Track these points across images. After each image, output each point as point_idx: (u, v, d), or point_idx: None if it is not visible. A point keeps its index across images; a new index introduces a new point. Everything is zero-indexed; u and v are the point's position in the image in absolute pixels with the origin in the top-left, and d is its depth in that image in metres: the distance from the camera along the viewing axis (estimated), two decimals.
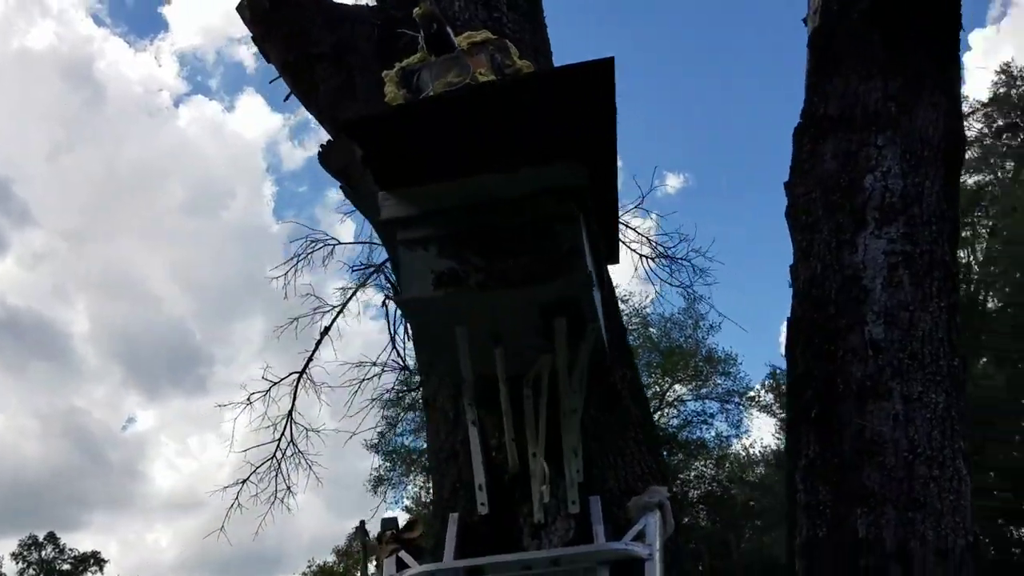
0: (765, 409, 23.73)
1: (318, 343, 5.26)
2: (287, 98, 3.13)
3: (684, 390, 23.60)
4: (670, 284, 5.76)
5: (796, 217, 3.13)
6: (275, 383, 5.27)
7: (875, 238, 2.92)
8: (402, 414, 17.00)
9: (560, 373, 2.22)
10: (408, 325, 3.08)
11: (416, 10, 2.27)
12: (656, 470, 2.44)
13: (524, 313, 2.01)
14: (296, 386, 5.23)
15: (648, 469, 2.41)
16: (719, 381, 23.78)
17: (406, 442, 18.89)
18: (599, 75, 1.73)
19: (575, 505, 2.24)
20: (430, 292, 1.91)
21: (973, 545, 2.58)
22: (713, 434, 23.69)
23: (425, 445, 2.82)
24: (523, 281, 1.89)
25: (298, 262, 5.04)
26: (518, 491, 2.29)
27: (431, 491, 2.60)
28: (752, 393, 23.14)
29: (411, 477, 20.00)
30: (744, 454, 26.30)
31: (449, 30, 2.34)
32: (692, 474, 24.29)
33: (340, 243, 5.26)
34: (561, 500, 2.25)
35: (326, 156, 3.02)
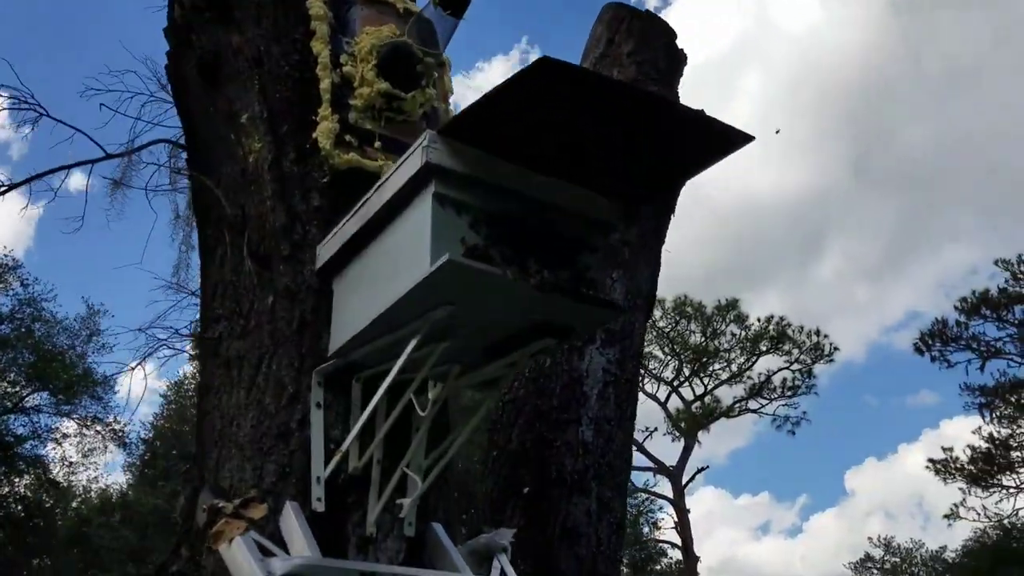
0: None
1: None
2: None
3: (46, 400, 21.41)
4: None
5: None
6: None
7: (599, 354, 3.28)
8: None
9: (453, 390, 2.09)
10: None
11: None
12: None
13: (510, 323, 1.89)
14: None
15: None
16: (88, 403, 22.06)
17: None
18: (735, 142, 1.80)
19: (411, 527, 2.06)
20: (460, 258, 1.71)
21: None
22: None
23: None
24: (554, 288, 1.79)
25: None
26: (352, 496, 2.03)
27: (210, 465, 2.09)
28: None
29: None
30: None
31: None
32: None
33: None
34: (397, 518, 2.05)
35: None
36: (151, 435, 21.99)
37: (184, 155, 2.88)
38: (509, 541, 2.12)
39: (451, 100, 2.56)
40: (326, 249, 2.11)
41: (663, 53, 4.08)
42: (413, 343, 1.83)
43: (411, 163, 1.78)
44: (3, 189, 3.10)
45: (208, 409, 2.16)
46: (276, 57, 2.27)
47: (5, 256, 21.74)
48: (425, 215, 1.75)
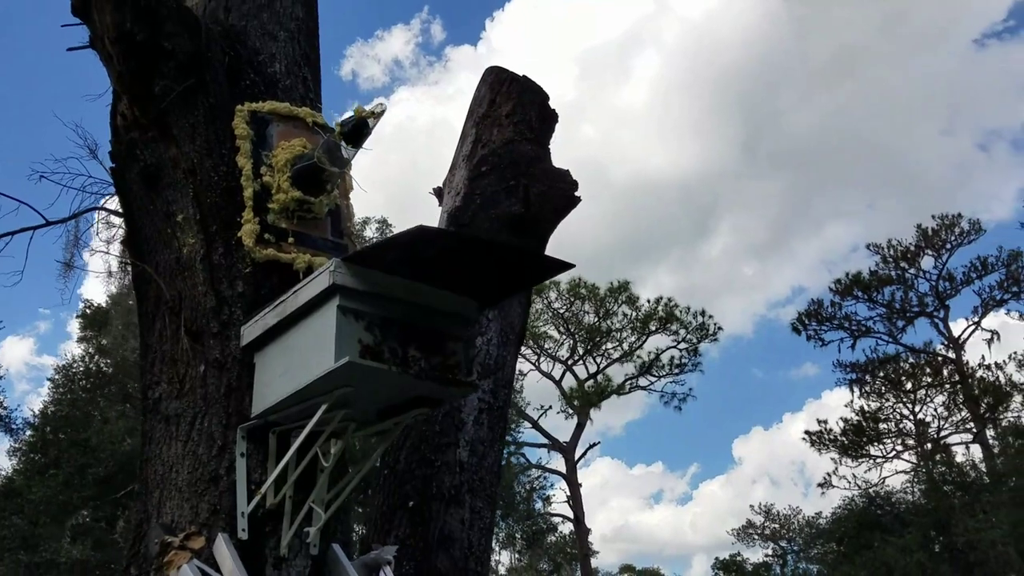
0: None
1: None
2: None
3: None
4: None
5: None
6: None
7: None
8: None
9: (348, 443, 2.68)
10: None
11: (373, 107, 2.63)
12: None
13: (397, 396, 2.49)
14: None
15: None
16: None
17: None
18: (553, 270, 2.45)
19: (315, 548, 2.65)
20: (357, 358, 2.30)
21: None
22: None
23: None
24: (427, 376, 2.41)
25: None
26: (269, 526, 2.61)
27: (153, 502, 2.62)
28: None
29: None
30: None
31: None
32: None
33: None
34: (304, 543, 2.64)
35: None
36: (38, 421, 21.62)
37: (116, 221, 3.37)
38: (393, 555, 2.74)
39: (352, 186, 3.14)
40: (249, 331, 2.66)
41: (536, 113, 4.71)
42: (320, 412, 2.41)
43: (321, 280, 2.36)
44: None
45: (150, 456, 2.69)
46: (207, 169, 2.79)
47: None
48: (330, 321, 2.33)
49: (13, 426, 22.13)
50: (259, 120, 2.89)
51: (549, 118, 4.81)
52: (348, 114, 2.69)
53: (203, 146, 2.81)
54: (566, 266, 2.40)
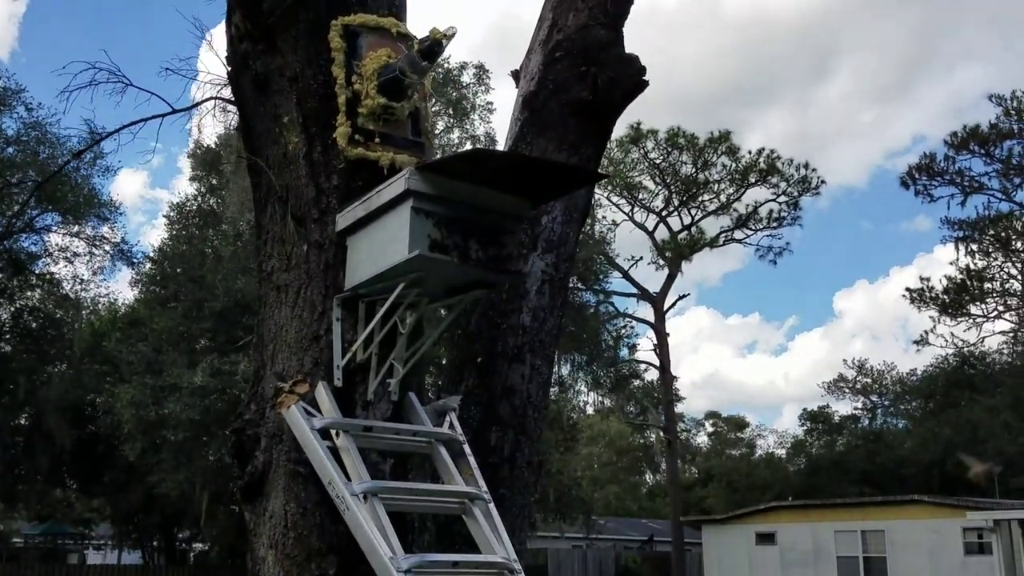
0: None
1: None
2: None
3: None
4: None
5: None
6: None
7: (538, 259, 4.42)
8: None
9: (421, 313, 3.27)
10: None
11: (446, 30, 3.04)
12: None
13: (460, 279, 3.04)
14: None
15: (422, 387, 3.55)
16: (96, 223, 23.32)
17: None
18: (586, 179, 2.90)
19: (395, 395, 3.29)
20: (427, 251, 2.84)
21: (539, 463, 4.27)
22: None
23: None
24: (481, 264, 2.93)
25: None
26: (358, 376, 3.24)
27: (268, 353, 3.30)
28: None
29: None
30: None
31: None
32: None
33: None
34: (387, 390, 3.27)
35: None
36: (157, 255, 23.27)
37: (229, 108, 3.91)
38: (457, 404, 3.36)
39: (429, 90, 3.59)
40: (342, 219, 3.22)
41: None
42: (398, 290, 2.99)
43: (398, 184, 2.87)
44: (103, 137, 4.10)
45: (265, 317, 3.34)
46: (308, 77, 3.28)
47: (8, 80, 22.26)
48: (404, 219, 2.86)
49: (134, 260, 23.98)
50: (350, 32, 3.33)
51: (624, 1, 5.05)
52: (424, 34, 3.12)
53: (304, 57, 3.29)
54: (602, 176, 2.86)
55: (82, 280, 25.10)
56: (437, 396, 3.62)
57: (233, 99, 3.61)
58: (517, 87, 5.05)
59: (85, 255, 24.50)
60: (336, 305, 3.23)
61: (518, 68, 5.13)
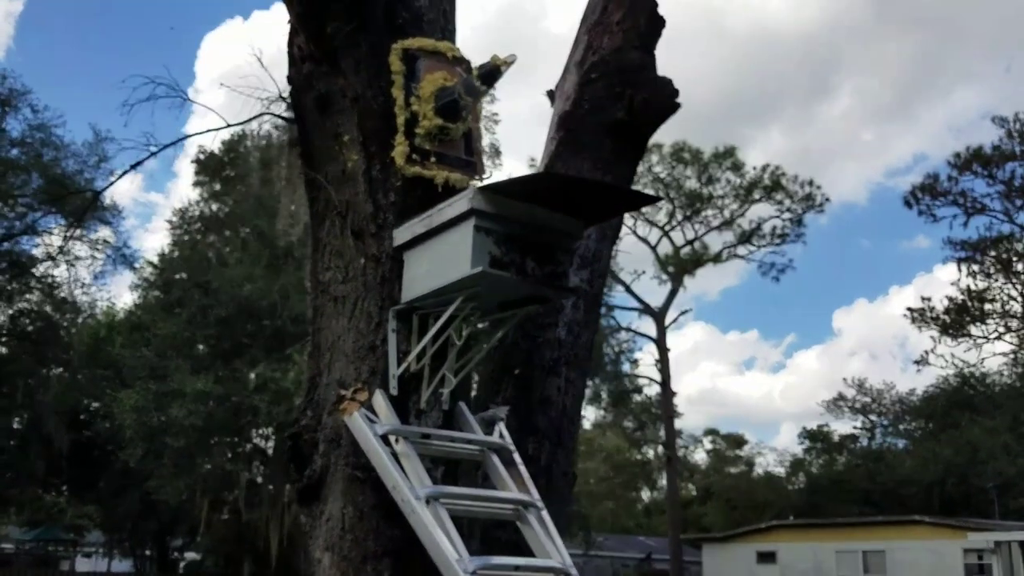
0: None
1: None
2: None
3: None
4: None
5: None
6: None
7: (574, 275, 4.55)
8: None
9: (474, 327, 3.39)
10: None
11: (506, 58, 3.18)
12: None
13: (515, 294, 3.17)
14: None
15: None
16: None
17: None
18: (641, 202, 3.04)
19: (447, 404, 3.41)
20: (488, 268, 2.97)
21: (573, 475, 4.39)
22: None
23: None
24: (538, 281, 3.07)
25: None
26: (412, 386, 3.37)
27: (324, 362, 3.42)
28: None
29: None
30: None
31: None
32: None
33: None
34: (439, 399, 3.40)
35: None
36: (159, 260, 23.36)
37: (285, 124, 4.05)
38: (505, 413, 3.49)
39: (482, 111, 3.73)
40: (400, 234, 3.35)
41: (645, 19, 5.12)
42: (456, 304, 3.11)
43: (462, 203, 3.00)
44: (158, 150, 4.24)
45: (321, 327, 3.47)
46: (368, 98, 3.42)
47: (14, 80, 22.43)
48: (468, 236, 2.99)
49: (135, 264, 24.09)
50: (409, 56, 3.47)
51: (657, 24, 5.21)
52: (486, 60, 3.26)
53: (365, 79, 3.42)
54: (656, 199, 3.00)
55: (82, 283, 25.22)
56: (478, 405, 3.74)
57: (286, 116, 3.75)
58: (551, 106, 5.20)
59: (87, 258, 24.62)
60: (392, 317, 3.36)
61: (553, 88, 5.28)
